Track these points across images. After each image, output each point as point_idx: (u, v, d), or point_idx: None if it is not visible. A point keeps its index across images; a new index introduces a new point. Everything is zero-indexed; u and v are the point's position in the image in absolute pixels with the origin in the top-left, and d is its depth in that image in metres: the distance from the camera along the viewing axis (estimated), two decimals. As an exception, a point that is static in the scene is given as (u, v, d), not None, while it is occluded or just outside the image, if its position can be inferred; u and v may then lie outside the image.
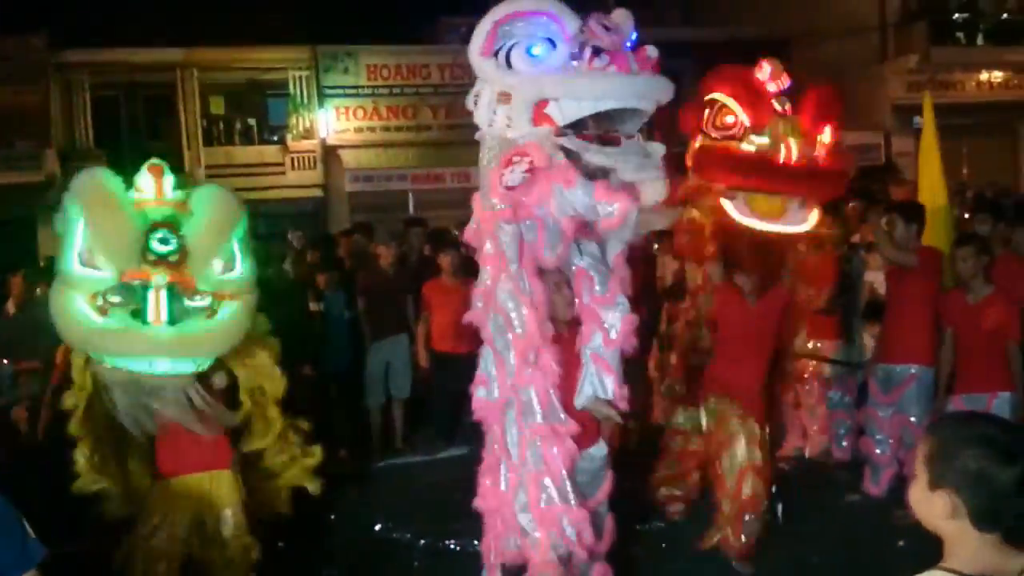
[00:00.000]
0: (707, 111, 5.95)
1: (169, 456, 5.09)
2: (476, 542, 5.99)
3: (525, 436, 4.37)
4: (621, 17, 4.48)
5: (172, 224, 4.67)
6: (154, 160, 4.90)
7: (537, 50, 4.22)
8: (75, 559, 4.68)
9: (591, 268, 4.57)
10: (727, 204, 5.80)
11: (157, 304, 4.51)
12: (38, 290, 8.18)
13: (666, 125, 8.97)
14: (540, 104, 4.20)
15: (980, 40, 21.96)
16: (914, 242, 6.48)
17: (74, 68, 20.72)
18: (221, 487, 5.09)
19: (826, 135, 5.98)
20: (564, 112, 4.18)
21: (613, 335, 4.56)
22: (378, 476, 7.84)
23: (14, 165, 19.51)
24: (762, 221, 5.80)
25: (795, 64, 23.58)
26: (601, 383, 4.54)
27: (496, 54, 4.31)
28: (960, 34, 21.87)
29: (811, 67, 23.05)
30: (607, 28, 4.22)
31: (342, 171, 20.98)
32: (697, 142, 6.07)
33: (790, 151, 5.68)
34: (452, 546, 6.20)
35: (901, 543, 5.72)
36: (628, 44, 4.31)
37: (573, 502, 4.37)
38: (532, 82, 4.21)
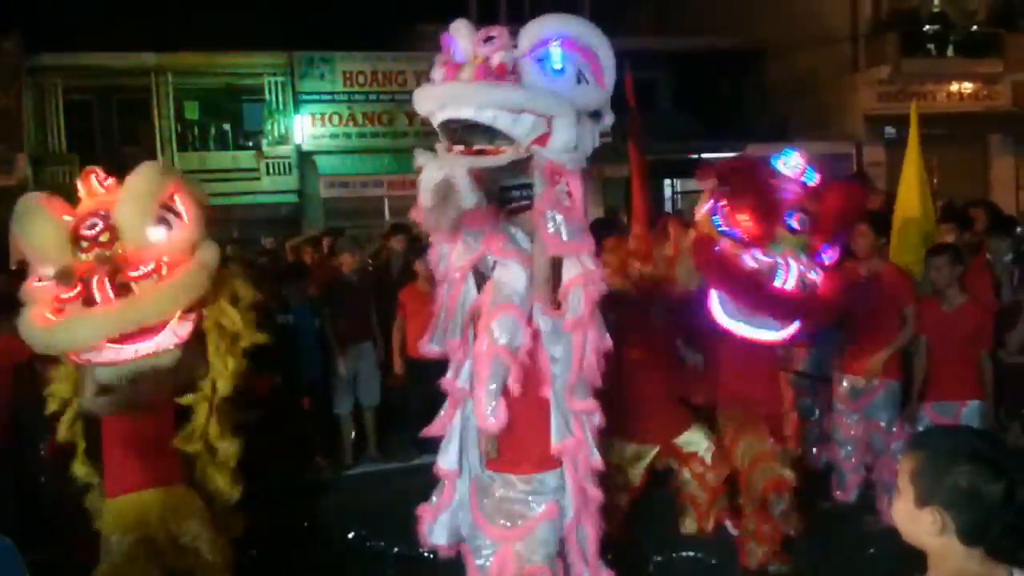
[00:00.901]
0: (721, 202, 5.64)
1: (120, 473, 4.94)
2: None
3: None
4: (532, 27, 4.03)
5: (99, 211, 4.74)
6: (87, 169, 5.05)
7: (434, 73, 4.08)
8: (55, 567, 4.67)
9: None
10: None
11: (102, 286, 4.56)
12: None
13: (636, 133, 9.02)
14: None
15: (950, 52, 22.25)
16: (880, 252, 6.58)
17: (47, 72, 20.55)
18: (178, 499, 4.99)
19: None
20: None
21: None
22: (352, 484, 7.84)
23: (-14, 169, 19.34)
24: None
25: (769, 74, 23.92)
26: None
27: None
28: (931, 46, 22.15)
29: (784, 77, 23.38)
30: (488, 39, 3.86)
31: (317, 177, 20.93)
32: (703, 217, 5.82)
33: (787, 275, 5.40)
34: (426, 554, 6.20)
35: (871, 550, 5.78)
36: (527, 55, 3.95)
37: None
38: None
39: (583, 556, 4.19)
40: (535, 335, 3.97)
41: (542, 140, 3.89)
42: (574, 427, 4.04)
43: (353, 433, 8.69)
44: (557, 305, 3.96)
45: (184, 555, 4.98)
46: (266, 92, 21.68)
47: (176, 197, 4.88)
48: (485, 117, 3.79)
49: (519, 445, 4.06)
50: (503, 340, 3.91)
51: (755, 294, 5.36)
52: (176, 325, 4.76)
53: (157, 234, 4.74)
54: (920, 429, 5.92)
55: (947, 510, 2.00)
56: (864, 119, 22.36)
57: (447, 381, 4.24)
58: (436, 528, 4.51)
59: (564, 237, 3.83)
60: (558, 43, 3.93)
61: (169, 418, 5.03)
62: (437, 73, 3.99)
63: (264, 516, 6.28)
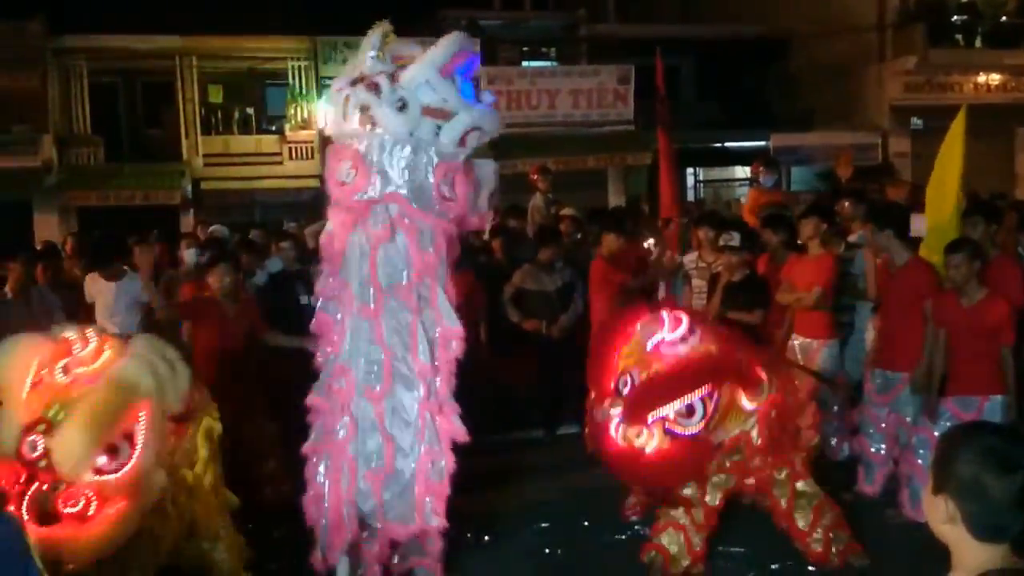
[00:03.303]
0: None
1: None
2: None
3: None
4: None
5: (49, 422, 4.18)
6: (67, 333, 4.49)
7: None
8: None
9: None
10: None
11: (29, 511, 4.09)
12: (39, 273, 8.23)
13: (665, 121, 8.99)
14: None
15: (978, 42, 22.03)
16: (897, 244, 6.55)
17: (72, 54, 20.68)
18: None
19: None
20: None
21: None
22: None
23: (10, 150, 19.46)
24: None
25: (794, 63, 23.74)
26: None
27: None
28: (958, 36, 21.93)
29: (809, 66, 23.20)
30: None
31: (340, 162, 20.95)
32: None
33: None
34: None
35: (895, 542, 5.76)
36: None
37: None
38: None
39: None
40: None
41: None
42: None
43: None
44: None
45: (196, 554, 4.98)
46: (289, 76, 21.73)
47: (141, 418, 4.34)
48: None
49: None
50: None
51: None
52: None
53: (104, 463, 4.21)
54: (941, 424, 5.90)
55: (954, 499, 2.01)
56: (890, 109, 22.19)
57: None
58: None
59: None
60: None
61: None
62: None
63: (284, 500, 6.32)
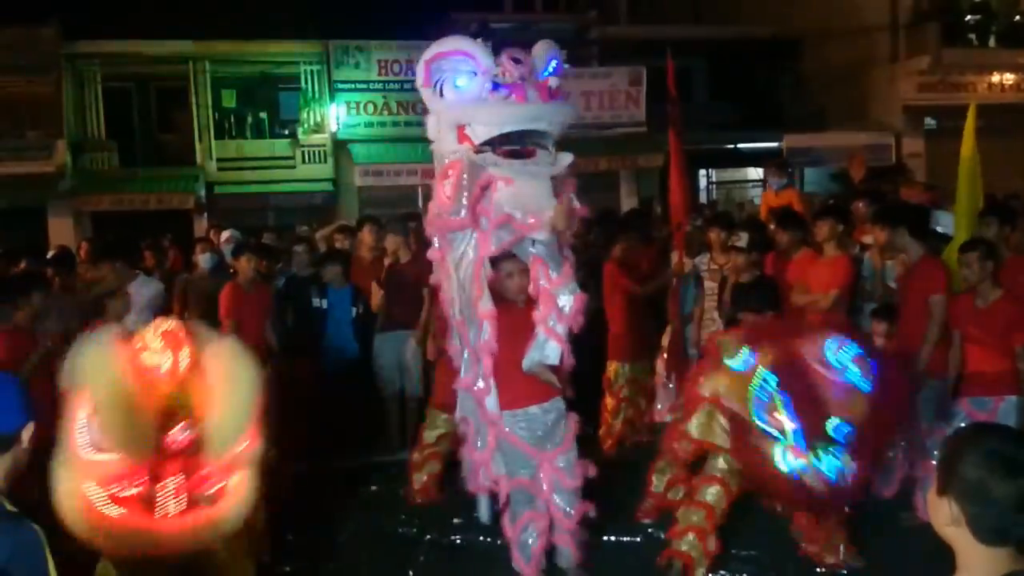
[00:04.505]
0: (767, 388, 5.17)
1: None
2: (480, 537, 6.07)
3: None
4: (540, 49, 5.41)
5: (188, 408, 4.33)
6: (167, 325, 4.49)
7: (460, 82, 5.22)
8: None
9: (546, 257, 5.33)
10: None
11: (166, 499, 4.22)
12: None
13: (677, 122, 8.98)
14: (461, 127, 5.24)
15: (992, 42, 21.90)
16: (911, 242, 6.53)
17: (86, 59, 20.80)
18: None
19: None
20: (477, 133, 5.19)
21: (565, 312, 5.31)
22: (385, 471, 7.86)
23: (25, 155, 19.62)
24: None
25: (806, 64, 23.69)
26: (545, 351, 5.27)
27: (434, 85, 5.29)
28: (972, 35, 21.81)
29: (822, 67, 23.15)
30: (517, 61, 5.22)
31: (352, 165, 21.04)
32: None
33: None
34: (456, 541, 6.25)
35: (909, 545, 5.73)
36: (540, 73, 5.32)
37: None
38: (453, 109, 5.27)
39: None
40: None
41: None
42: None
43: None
44: None
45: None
46: (302, 81, 21.80)
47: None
48: (553, 129, 5.28)
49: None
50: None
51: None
52: None
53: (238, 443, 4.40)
54: (955, 425, 5.88)
55: (958, 501, 2.00)
56: (903, 110, 22.09)
57: (484, 343, 5.25)
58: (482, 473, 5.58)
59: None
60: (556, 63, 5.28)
61: None
62: (465, 80, 5.19)
63: (298, 501, 6.36)
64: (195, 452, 4.27)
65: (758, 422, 4.90)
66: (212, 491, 4.32)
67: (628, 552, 5.98)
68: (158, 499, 4.20)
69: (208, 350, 4.47)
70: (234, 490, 4.38)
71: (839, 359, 4.90)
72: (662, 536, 5.68)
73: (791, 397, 4.83)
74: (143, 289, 7.96)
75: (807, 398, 4.84)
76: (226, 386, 4.38)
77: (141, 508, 4.17)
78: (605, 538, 6.07)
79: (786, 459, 4.83)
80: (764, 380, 4.90)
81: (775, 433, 4.84)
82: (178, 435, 4.26)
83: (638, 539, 6.10)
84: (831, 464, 4.81)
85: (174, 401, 4.31)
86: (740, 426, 5.06)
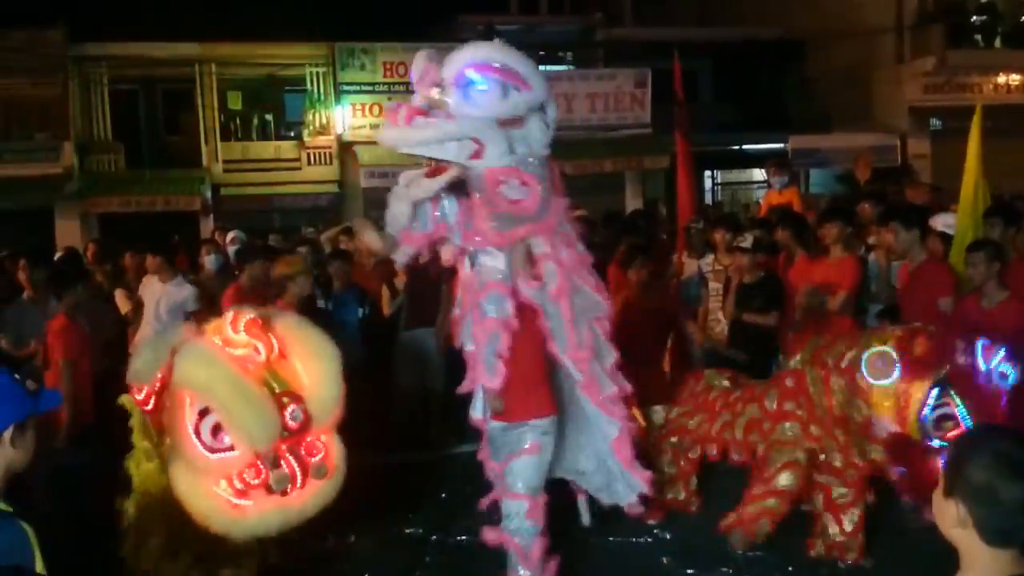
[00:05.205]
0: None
1: None
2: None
3: None
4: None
5: (286, 389, 4.55)
6: (249, 314, 4.65)
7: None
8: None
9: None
10: None
11: (289, 475, 4.54)
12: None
13: (684, 124, 8.99)
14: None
15: (997, 43, 21.90)
16: (919, 245, 6.53)
17: (92, 61, 20.84)
18: None
19: None
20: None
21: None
22: (390, 471, 7.87)
23: (32, 157, 19.67)
24: None
25: (811, 65, 23.67)
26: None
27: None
28: (977, 36, 21.80)
29: (827, 68, 23.13)
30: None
31: (357, 167, 21.06)
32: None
33: None
34: (463, 541, 6.25)
35: (914, 545, 5.72)
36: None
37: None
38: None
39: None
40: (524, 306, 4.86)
41: (477, 155, 4.70)
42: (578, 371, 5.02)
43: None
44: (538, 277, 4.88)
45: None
46: (308, 83, 21.84)
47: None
48: (428, 151, 4.85)
49: (517, 398, 4.87)
50: (492, 313, 4.83)
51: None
52: None
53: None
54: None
55: (965, 503, 2.00)
56: (909, 111, 22.08)
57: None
58: None
59: (506, 228, 4.84)
60: (472, 69, 4.67)
61: None
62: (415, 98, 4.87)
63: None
64: (304, 428, 4.53)
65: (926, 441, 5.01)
66: (319, 458, 4.64)
67: (629, 552, 5.98)
68: (288, 481, 4.51)
69: (282, 330, 4.70)
70: (335, 450, 4.71)
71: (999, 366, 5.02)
72: (667, 536, 5.69)
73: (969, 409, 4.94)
74: (177, 291, 8.11)
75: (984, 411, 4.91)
76: (315, 360, 4.66)
77: (267, 492, 4.46)
78: (610, 539, 6.08)
79: None
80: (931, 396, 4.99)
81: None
82: (294, 416, 4.47)
83: (644, 540, 6.10)
84: None
85: (271, 385, 4.50)
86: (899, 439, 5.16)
